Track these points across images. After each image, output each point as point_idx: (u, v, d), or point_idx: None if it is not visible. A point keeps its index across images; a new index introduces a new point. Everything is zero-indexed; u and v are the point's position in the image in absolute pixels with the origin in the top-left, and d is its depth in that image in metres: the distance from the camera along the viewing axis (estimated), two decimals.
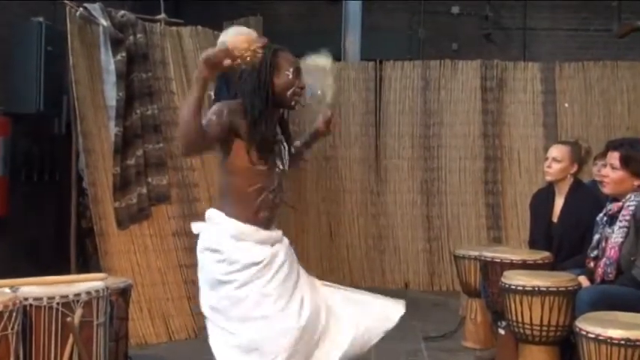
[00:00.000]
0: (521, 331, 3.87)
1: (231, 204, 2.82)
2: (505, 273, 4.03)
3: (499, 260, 4.34)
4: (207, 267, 2.83)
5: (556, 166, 4.51)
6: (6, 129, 5.36)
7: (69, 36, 4.99)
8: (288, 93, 2.81)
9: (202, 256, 2.86)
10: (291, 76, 2.82)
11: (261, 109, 2.74)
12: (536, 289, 3.76)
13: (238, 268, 2.76)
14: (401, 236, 7.65)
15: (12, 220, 5.54)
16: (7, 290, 3.03)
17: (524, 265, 4.22)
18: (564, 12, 10.00)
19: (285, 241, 2.95)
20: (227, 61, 2.50)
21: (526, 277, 3.91)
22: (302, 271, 2.98)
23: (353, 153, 7.75)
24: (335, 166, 7.76)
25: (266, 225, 2.84)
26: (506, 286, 3.92)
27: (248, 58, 2.55)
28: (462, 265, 5.17)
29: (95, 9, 5.16)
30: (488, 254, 4.47)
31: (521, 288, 3.82)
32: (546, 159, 4.61)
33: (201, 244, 2.86)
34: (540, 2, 9.97)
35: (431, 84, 7.75)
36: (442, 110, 7.70)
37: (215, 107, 2.74)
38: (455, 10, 10.00)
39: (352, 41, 8.15)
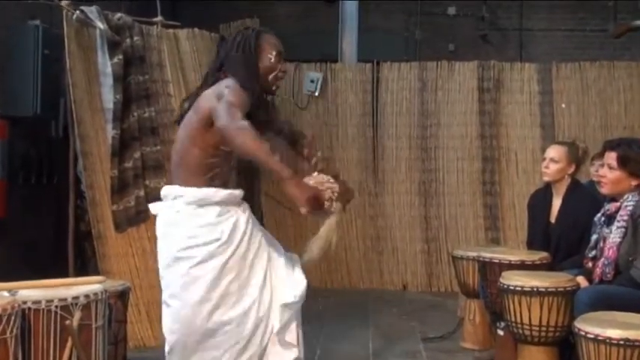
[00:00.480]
0: (520, 331, 3.87)
1: (185, 173, 2.87)
2: (503, 273, 4.04)
3: (497, 261, 4.35)
4: (165, 246, 2.88)
5: (554, 167, 4.52)
6: (3, 132, 5.34)
7: (66, 39, 4.98)
8: (270, 77, 2.83)
9: (161, 237, 2.91)
10: (273, 60, 2.83)
11: (254, 87, 2.80)
12: (535, 289, 3.77)
13: (197, 244, 2.79)
14: (399, 237, 7.66)
15: (10, 223, 5.53)
16: (5, 294, 3.02)
17: (523, 266, 4.23)
18: (561, 12, 10.02)
19: (245, 205, 3.00)
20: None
21: (524, 277, 3.91)
22: (261, 237, 3.03)
23: (350, 154, 7.76)
24: (332, 169, 7.75)
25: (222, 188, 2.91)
26: (505, 286, 3.92)
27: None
28: (460, 266, 5.17)
29: (92, 12, 5.15)
30: (487, 255, 4.47)
31: (519, 288, 3.83)
32: (544, 159, 4.61)
33: (160, 224, 2.92)
34: (537, 3, 9.99)
35: (428, 85, 7.76)
36: (439, 111, 7.71)
37: (239, 95, 2.73)
38: (451, 11, 10.02)
39: (349, 42, 8.15)
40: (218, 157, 2.86)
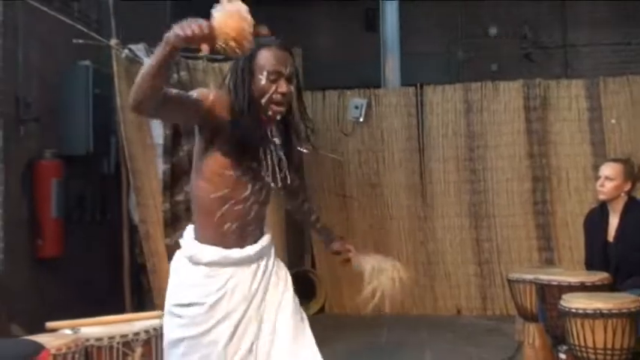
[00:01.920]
0: (584, 355, 3.77)
1: (196, 214, 2.51)
2: (564, 296, 3.95)
3: (556, 283, 4.25)
4: (167, 294, 2.56)
5: (609, 185, 4.42)
6: (59, 171, 5.47)
7: (115, 78, 5.10)
8: (263, 101, 2.42)
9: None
10: (263, 82, 2.41)
11: (242, 108, 2.40)
12: (598, 311, 3.67)
13: (184, 303, 2.45)
14: (450, 261, 7.57)
15: (66, 261, 5.63)
16: (68, 331, 3.07)
17: (583, 287, 4.13)
18: (604, 27, 9.88)
19: (266, 263, 2.56)
20: (205, 47, 2.11)
21: (586, 299, 3.81)
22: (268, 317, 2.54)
23: (398, 179, 7.73)
24: (380, 193, 7.73)
25: (237, 239, 2.47)
26: (566, 309, 3.83)
27: (230, 49, 2.13)
28: (517, 289, 5.07)
29: (140, 49, 5.27)
30: (544, 277, 4.38)
31: (582, 311, 3.73)
32: (598, 178, 4.52)
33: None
34: (579, 18, 9.88)
35: (473, 106, 7.70)
36: (486, 132, 7.64)
37: (204, 90, 2.45)
38: (493, 31, 9.98)
39: (391, 67, 8.17)
40: (227, 187, 2.43)
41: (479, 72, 9.53)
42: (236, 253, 2.46)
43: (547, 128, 7.56)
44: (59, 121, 5.69)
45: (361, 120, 7.76)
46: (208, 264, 2.44)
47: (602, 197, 4.52)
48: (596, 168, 4.77)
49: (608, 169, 4.48)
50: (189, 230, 2.54)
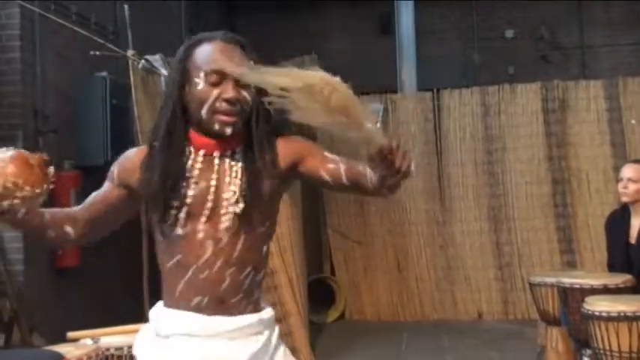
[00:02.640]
0: (609, 359, 3.71)
1: (162, 287, 1.88)
2: (587, 299, 3.89)
3: (579, 286, 4.19)
4: None
5: (632, 187, 4.35)
6: (77, 182, 5.51)
7: (132, 88, 5.12)
8: (203, 111, 1.77)
9: None
10: (201, 85, 1.77)
11: (161, 134, 1.80)
12: (622, 314, 3.61)
13: None
14: (471, 265, 7.52)
15: (84, 270, 5.66)
16: (88, 341, 3.07)
17: (606, 290, 4.06)
18: (621, 27, 9.81)
19: (256, 340, 1.82)
20: None
21: (610, 302, 3.75)
22: None
23: (416, 184, 7.69)
24: (398, 198, 7.69)
25: (213, 312, 1.79)
26: (589, 312, 3.77)
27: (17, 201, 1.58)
28: (539, 293, 5.01)
29: (156, 60, 5.29)
30: (567, 280, 4.32)
31: (605, 314, 3.67)
32: (620, 180, 4.45)
33: None
34: (596, 19, 9.81)
35: (490, 109, 7.66)
36: (504, 135, 7.60)
37: (120, 159, 1.93)
38: (509, 33, 9.93)
39: (408, 72, 8.14)
40: (178, 251, 1.81)
41: (496, 75, 9.49)
42: (229, 322, 1.80)
43: (566, 130, 7.51)
44: (77, 132, 5.73)
45: (378, 125, 7.71)
46: (167, 336, 1.82)
47: (625, 199, 4.46)
48: (616, 169, 4.71)
49: (630, 171, 4.42)
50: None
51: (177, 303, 1.80)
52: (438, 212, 7.65)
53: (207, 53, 1.79)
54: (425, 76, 8.39)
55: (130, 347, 3.07)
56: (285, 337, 5.01)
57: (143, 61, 5.20)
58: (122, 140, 5.85)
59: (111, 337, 3.16)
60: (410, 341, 6.36)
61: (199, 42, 1.82)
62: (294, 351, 5.22)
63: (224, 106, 1.76)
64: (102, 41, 5.31)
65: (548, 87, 7.58)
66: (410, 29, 8.23)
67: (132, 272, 5.72)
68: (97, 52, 5.29)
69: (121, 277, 6.13)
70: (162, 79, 5.29)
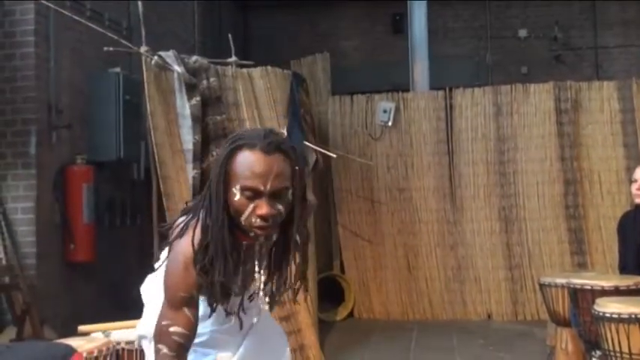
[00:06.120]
0: None
1: None
2: (597, 300, 3.87)
3: (589, 287, 4.17)
4: None
5: None
6: (89, 177, 5.55)
7: (145, 84, 5.13)
8: (240, 219, 1.81)
9: None
10: (237, 197, 1.79)
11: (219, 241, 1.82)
12: (634, 316, 3.59)
13: None
14: (481, 266, 7.49)
15: (98, 265, 5.70)
16: (99, 335, 3.09)
17: (617, 292, 4.04)
18: (635, 28, 9.76)
19: None
20: None
21: (621, 304, 3.73)
22: None
23: (427, 183, 7.67)
24: (409, 197, 7.69)
25: None
26: (600, 314, 3.75)
27: None
28: (549, 294, 4.99)
29: (169, 56, 5.30)
30: (577, 281, 4.30)
31: (616, 316, 3.65)
32: (634, 181, 4.43)
33: None
34: (610, 19, 9.76)
35: (503, 109, 7.63)
36: (516, 135, 7.56)
37: (180, 267, 1.86)
38: (522, 33, 9.90)
39: (420, 71, 8.12)
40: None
41: (508, 74, 9.47)
42: None
43: (578, 131, 7.47)
44: (90, 128, 5.77)
45: (390, 124, 7.73)
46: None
47: (638, 201, 4.42)
48: (629, 170, 4.68)
49: None
50: None
51: None
52: (449, 212, 7.63)
53: (245, 165, 1.78)
54: (437, 75, 8.37)
55: None
56: (294, 334, 5.01)
57: (156, 57, 5.21)
58: (134, 136, 5.89)
59: (122, 331, 3.18)
60: (419, 341, 6.36)
61: (240, 147, 1.80)
62: (302, 348, 5.24)
63: (258, 222, 1.79)
64: (115, 37, 5.34)
65: (561, 87, 7.53)
66: (423, 28, 8.20)
67: (144, 269, 5.76)
68: (111, 49, 5.31)
69: (133, 273, 6.16)
70: (176, 75, 5.31)
